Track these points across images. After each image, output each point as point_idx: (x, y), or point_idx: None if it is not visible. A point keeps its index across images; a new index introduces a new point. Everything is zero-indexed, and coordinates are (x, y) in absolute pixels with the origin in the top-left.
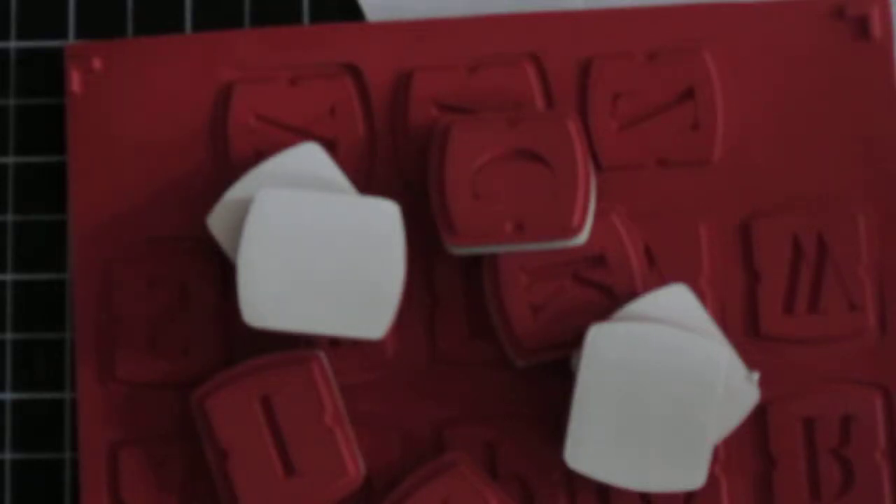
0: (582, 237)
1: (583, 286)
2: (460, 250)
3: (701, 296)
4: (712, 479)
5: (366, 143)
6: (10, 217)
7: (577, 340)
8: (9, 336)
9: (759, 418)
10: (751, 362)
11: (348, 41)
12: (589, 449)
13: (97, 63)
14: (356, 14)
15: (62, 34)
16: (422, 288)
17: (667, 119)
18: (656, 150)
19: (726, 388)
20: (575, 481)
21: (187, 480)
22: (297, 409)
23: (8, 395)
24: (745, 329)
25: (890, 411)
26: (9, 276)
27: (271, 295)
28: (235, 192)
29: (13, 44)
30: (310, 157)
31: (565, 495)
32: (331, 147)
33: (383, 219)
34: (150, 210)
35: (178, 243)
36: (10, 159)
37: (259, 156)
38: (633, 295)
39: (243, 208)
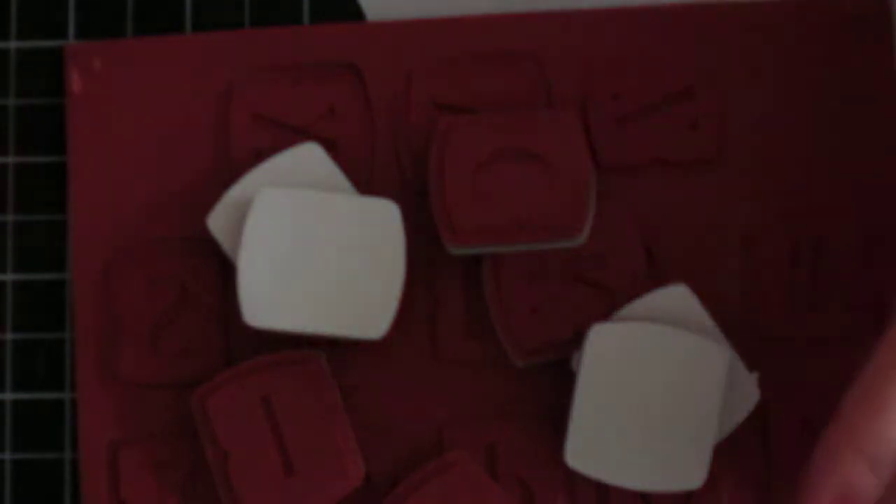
0: (582, 237)
1: (583, 286)
2: (460, 250)
3: (701, 296)
4: (712, 479)
5: (366, 143)
6: (10, 217)
7: (577, 340)
8: (9, 336)
9: (759, 418)
10: (751, 362)
11: (348, 41)
12: (589, 448)
13: (97, 63)
14: (356, 14)
15: (62, 34)
16: (422, 288)
17: (667, 119)
18: (656, 149)
19: (727, 386)
20: (575, 481)
21: (187, 480)
22: (298, 408)
23: (8, 395)
24: (746, 329)
25: None
26: (9, 276)
27: (271, 295)
28: (235, 192)
29: (13, 44)
30: (310, 157)
31: (565, 495)
32: (331, 147)
33: (383, 219)
34: (150, 210)
35: (178, 243)
36: (10, 159)
37: (259, 156)
38: (633, 294)
39: (243, 208)
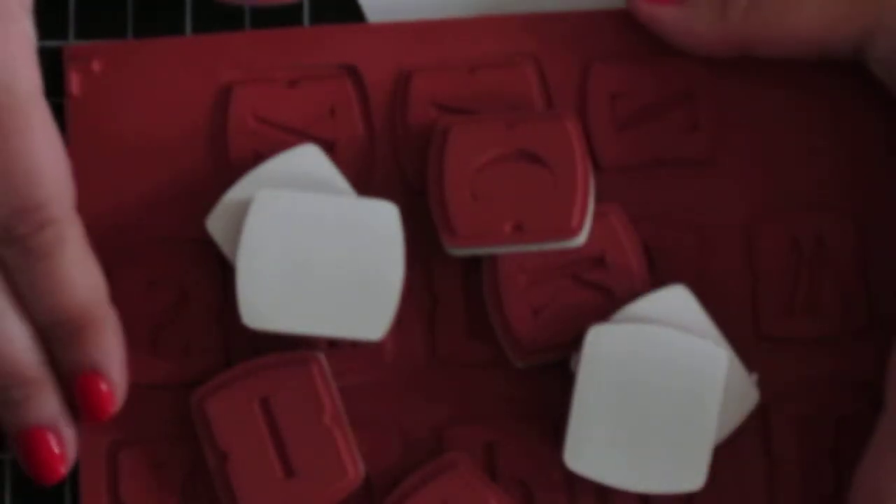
0: (581, 238)
1: (582, 287)
2: (460, 251)
3: (701, 296)
4: (712, 479)
5: (365, 143)
6: None
7: (577, 341)
8: None
9: (759, 418)
10: (751, 362)
11: (348, 41)
12: (589, 449)
13: (96, 64)
14: (356, 14)
15: (62, 34)
16: (422, 288)
17: (666, 119)
18: (656, 150)
19: (726, 388)
20: (575, 482)
21: (187, 480)
22: (297, 410)
23: None
24: (746, 329)
25: None
26: None
27: (270, 296)
28: (234, 193)
29: None
30: (309, 159)
31: (565, 496)
32: (330, 148)
33: (383, 219)
34: (150, 210)
35: (178, 243)
36: None
37: (258, 157)
38: (632, 295)
39: (242, 210)
